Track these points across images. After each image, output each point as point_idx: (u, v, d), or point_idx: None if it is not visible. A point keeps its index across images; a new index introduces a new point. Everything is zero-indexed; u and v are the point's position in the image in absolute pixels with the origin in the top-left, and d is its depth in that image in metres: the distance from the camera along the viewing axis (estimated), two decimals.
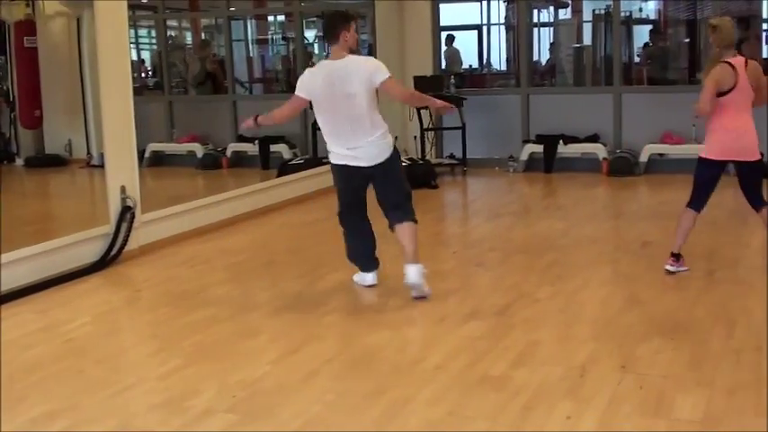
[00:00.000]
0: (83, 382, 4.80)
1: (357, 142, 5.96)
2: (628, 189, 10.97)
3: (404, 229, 6.12)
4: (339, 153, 6.05)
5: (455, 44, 15.44)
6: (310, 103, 6.10)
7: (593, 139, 12.24)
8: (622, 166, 11.77)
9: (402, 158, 11.31)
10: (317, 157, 12.43)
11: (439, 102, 6.57)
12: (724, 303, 5.82)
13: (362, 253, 6.48)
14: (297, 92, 6.08)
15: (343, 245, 6.51)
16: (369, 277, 6.48)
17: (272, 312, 6.03)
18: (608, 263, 7.23)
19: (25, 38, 13.40)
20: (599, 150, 12.06)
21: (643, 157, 11.84)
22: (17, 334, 5.69)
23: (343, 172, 6.13)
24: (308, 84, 6.03)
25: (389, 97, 6.43)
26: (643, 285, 6.34)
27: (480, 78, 16.41)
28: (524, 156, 12.44)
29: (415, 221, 6.21)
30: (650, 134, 11.89)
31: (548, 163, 12.25)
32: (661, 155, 11.88)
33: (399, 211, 6.16)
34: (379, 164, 6.05)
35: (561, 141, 12.26)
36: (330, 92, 5.89)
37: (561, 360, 4.83)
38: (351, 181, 6.18)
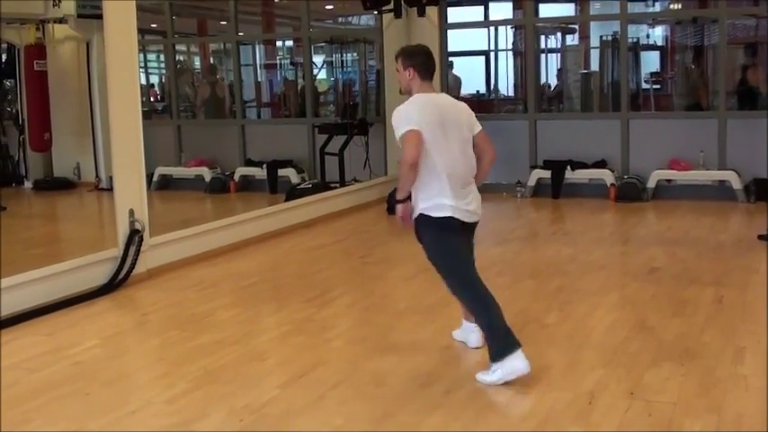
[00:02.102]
0: (90, 406, 4.79)
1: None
2: (635, 215, 10.96)
3: None
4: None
5: (454, 70, 15.47)
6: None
7: (601, 164, 12.25)
8: (630, 192, 11.77)
9: None
10: (324, 182, 12.47)
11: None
12: (733, 329, 5.80)
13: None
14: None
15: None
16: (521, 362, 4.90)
17: (279, 336, 6.03)
18: (616, 288, 7.22)
19: (35, 61, 13.49)
20: (606, 176, 12.07)
21: (651, 183, 11.84)
22: (24, 356, 5.69)
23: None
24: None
25: None
26: (651, 311, 6.32)
27: (488, 104, 16.45)
28: (532, 181, 12.45)
29: None
30: (658, 160, 11.90)
31: (555, 188, 12.26)
32: (669, 181, 11.89)
33: None
34: None
35: (569, 167, 12.27)
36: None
37: (569, 386, 4.81)
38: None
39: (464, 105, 5.33)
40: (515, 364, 4.81)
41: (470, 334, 5.52)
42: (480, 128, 5.29)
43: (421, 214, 5.07)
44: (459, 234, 5.15)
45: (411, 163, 4.87)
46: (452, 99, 5.41)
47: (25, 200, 12.97)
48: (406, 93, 5.20)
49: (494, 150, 5.41)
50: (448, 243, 5.13)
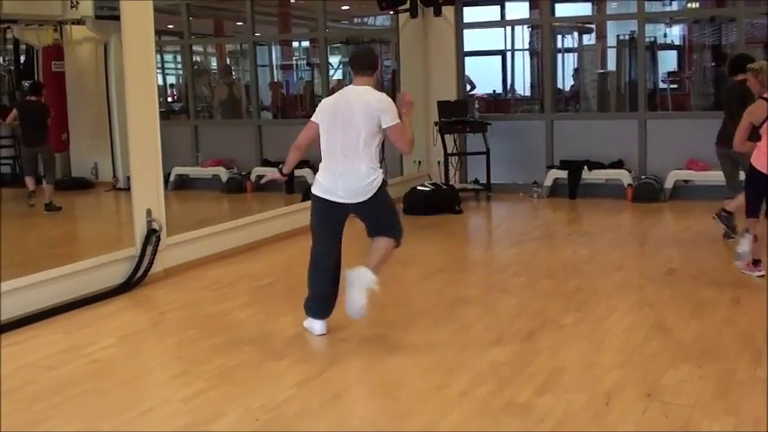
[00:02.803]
0: (106, 404, 4.81)
1: None
2: (653, 215, 10.92)
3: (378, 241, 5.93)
4: None
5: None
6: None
7: (618, 165, 12.21)
8: (647, 193, 11.73)
9: (426, 183, 11.44)
10: None
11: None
12: (751, 331, 5.76)
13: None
14: None
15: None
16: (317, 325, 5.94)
17: (295, 336, 6.03)
18: (633, 289, 7.19)
19: (53, 62, 13.58)
20: (624, 176, 12.03)
21: (668, 184, 11.80)
22: (42, 354, 5.72)
23: None
24: None
25: None
26: (669, 312, 6.30)
27: (504, 104, 16.42)
28: (548, 181, 12.42)
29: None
30: (675, 160, 11.85)
31: (572, 189, 12.22)
32: (686, 181, 11.84)
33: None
34: None
35: (586, 167, 12.23)
36: None
37: (586, 387, 4.80)
38: None
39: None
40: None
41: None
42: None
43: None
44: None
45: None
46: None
47: (43, 199, 12.97)
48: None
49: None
50: None
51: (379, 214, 5.89)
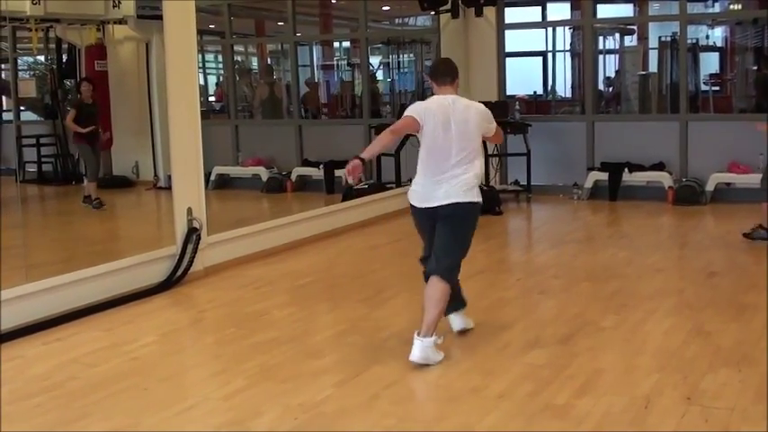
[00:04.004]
0: (146, 401, 4.86)
1: None
2: (693, 218, 10.84)
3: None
4: None
5: None
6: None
7: (659, 167, 12.13)
8: (688, 195, 11.64)
9: None
10: (381, 183, 12.48)
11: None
12: None
13: None
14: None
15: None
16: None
17: (334, 336, 6.05)
18: (673, 293, 7.15)
19: (96, 61, 13.69)
20: (664, 179, 11.95)
21: (709, 186, 11.71)
22: (83, 351, 5.79)
23: None
24: None
25: None
26: (709, 316, 6.25)
27: (545, 105, 16.36)
28: (589, 183, 12.36)
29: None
30: (716, 163, 11.76)
31: (612, 191, 12.16)
32: (728, 184, 11.74)
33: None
34: None
35: (626, 169, 12.17)
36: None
37: (625, 390, 4.78)
38: None
39: None
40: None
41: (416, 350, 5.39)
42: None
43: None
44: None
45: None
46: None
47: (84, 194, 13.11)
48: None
49: None
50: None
51: (452, 232, 5.61)
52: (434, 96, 5.73)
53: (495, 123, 5.79)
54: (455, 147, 5.48)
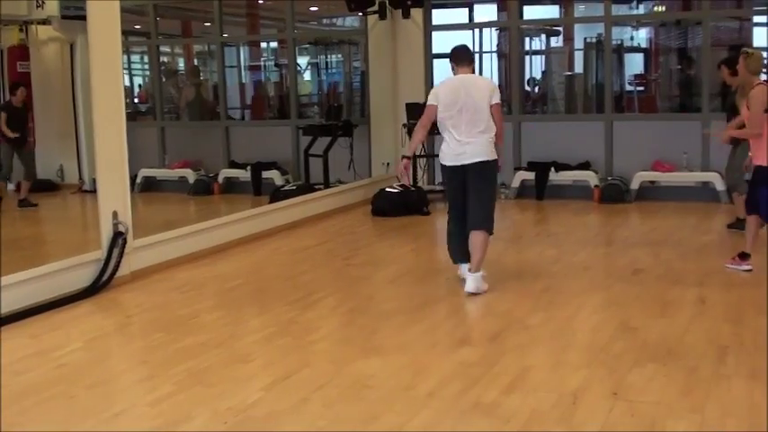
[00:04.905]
0: (74, 409, 4.78)
1: None
2: (619, 216, 11.00)
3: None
4: None
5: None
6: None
7: (585, 166, 12.30)
8: (614, 194, 11.82)
9: (394, 185, 11.46)
10: (309, 184, 12.45)
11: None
12: (716, 330, 5.83)
13: None
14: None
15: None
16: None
17: (263, 339, 6.02)
18: (600, 289, 7.24)
19: (18, 63, 13.46)
20: (590, 178, 12.11)
21: (634, 185, 11.90)
22: (9, 359, 5.66)
23: None
24: None
25: None
26: (635, 312, 6.35)
27: None
28: (516, 183, 12.48)
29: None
30: (641, 162, 11.95)
31: (539, 190, 12.29)
32: (652, 182, 11.94)
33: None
34: None
35: (553, 169, 12.31)
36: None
37: (553, 387, 4.83)
38: None
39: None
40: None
41: (470, 282, 6.99)
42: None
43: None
44: None
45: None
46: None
47: (9, 201, 12.86)
48: None
49: None
50: None
51: (482, 190, 7.02)
52: (446, 79, 7.34)
53: (498, 97, 7.06)
54: (465, 117, 6.91)
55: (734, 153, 9.26)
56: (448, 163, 7.04)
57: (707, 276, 7.39)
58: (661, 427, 4.23)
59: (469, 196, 6.99)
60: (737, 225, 9.11)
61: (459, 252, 7.24)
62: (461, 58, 7.30)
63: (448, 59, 7.45)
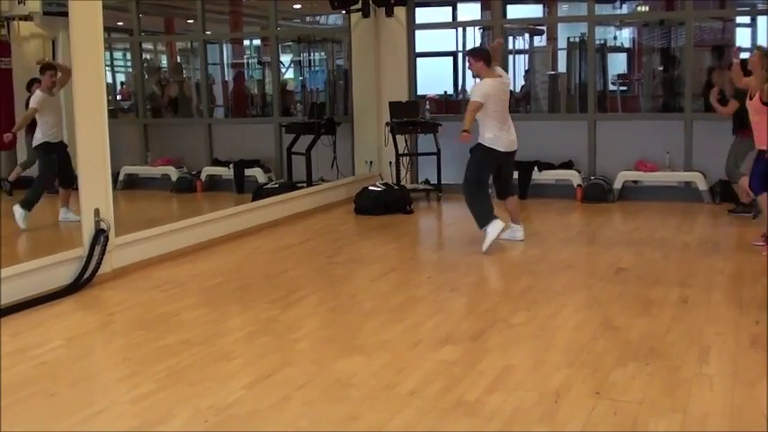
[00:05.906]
0: (54, 407, 4.75)
1: None
2: (602, 215, 11.02)
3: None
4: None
5: None
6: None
7: (568, 165, 12.32)
8: (596, 193, 11.85)
9: (377, 183, 11.46)
10: (291, 182, 12.43)
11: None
12: (698, 329, 5.84)
13: None
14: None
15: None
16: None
17: (245, 337, 6.00)
18: (582, 288, 7.25)
19: (0, 59, 13.34)
20: (573, 177, 12.13)
21: (617, 184, 11.93)
22: None
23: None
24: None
25: None
26: (617, 311, 6.36)
27: (455, 105, 16.45)
28: None
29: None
30: (624, 161, 11.99)
31: (522, 189, 12.29)
32: (635, 182, 11.97)
33: None
34: None
35: (536, 168, 12.33)
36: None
37: (536, 385, 4.83)
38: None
39: None
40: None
41: (517, 232, 9.19)
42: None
43: None
44: None
45: None
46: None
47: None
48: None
49: None
50: None
51: (512, 167, 9.41)
52: (488, 80, 8.62)
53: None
54: (505, 111, 8.74)
55: (737, 144, 10.06)
56: (501, 149, 8.68)
57: (689, 276, 7.42)
58: (643, 426, 4.23)
59: (505, 173, 9.09)
60: (740, 210, 10.13)
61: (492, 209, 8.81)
62: (490, 57, 8.77)
63: (472, 58, 8.76)
